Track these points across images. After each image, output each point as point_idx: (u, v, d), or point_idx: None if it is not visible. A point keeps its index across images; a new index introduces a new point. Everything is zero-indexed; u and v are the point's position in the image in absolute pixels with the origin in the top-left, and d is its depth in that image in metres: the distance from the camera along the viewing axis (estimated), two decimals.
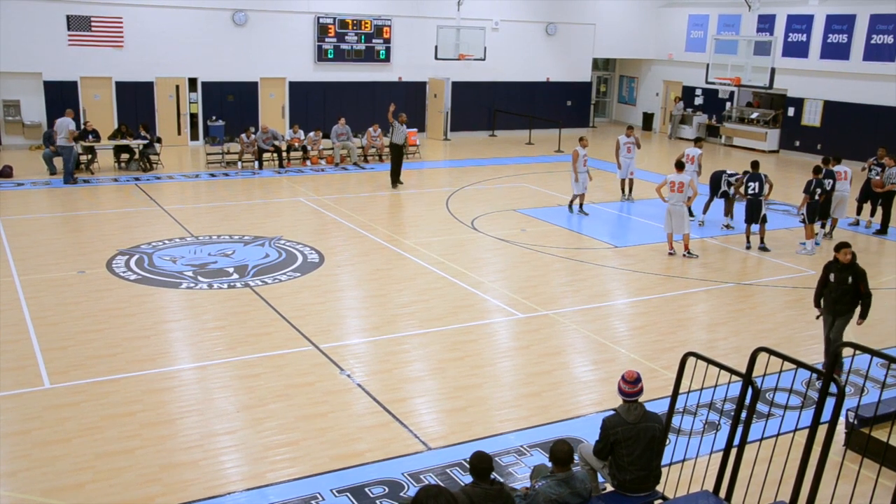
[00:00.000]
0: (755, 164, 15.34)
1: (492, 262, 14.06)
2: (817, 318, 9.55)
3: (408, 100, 27.67)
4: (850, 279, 8.97)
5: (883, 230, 16.70)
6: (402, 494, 6.86)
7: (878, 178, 16.64)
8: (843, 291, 9.04)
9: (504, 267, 13.77)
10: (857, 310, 9.14)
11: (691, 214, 15.64)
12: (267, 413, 8.26)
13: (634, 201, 19.01)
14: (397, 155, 19.89)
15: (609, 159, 24.67)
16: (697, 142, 18.52)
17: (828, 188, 15.45)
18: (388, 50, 26.78)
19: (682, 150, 27.78)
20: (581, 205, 17.49)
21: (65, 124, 18.92)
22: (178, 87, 24.34)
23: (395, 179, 20.00)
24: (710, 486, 6.30)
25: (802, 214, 15.13)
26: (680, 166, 14.75)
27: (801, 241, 15.56)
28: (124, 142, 21.01)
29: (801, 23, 26.57)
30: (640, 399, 6.26)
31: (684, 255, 14.48)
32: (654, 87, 32.80)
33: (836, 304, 9.13)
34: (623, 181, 19.18)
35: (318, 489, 6.93)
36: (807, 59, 26.44)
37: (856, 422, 7.76)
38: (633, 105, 33.97)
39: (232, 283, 12.27)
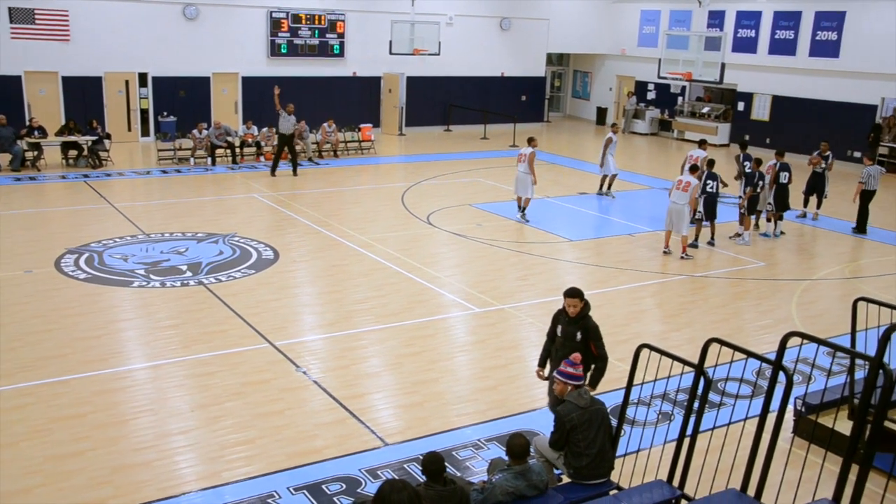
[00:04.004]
0: (711, 163, 15.50)
1: (448, 256, 14.08)
2: (541, 377, 7.58)
3: (362, 95, 27.55)
4: (578, 335, 7.10)
5: (861, 229, 16.54)
6: (359, 491, 6.84)
7: (859, 182, 16.40)
8: (570, 349, 6.95)
9: (460, 262, 13.80)
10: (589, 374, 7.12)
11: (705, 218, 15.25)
12: (222, 411, 8.17)
13: (615, 197, 19.07)
14: (283, 144, 20.22)
15: (566, 153, 24.94)
16: (702, 144, 17.65)
17: (784, 181, 15.82)
18: (342, 45, 26.60)
19: (635, 143, 28.30)
20: (524, 208, 16.60)
21: None
22: (127, 82, 23.87)
23: (275, 169, 20.43)
24: (663, 476, 6.40)
25: (744, 207, 15.45)
26: (694, 169, 14.51)
27: (761, 231, 15.95)
28: (72, 138, 20.56)
29: (749, 19, 27.07)
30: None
31: (681, 257, 14.31)
32: (607, 81, 33.12)
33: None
34: (613, 177, 19.06)
35: (275, 487, 6.88)
36: (755, 55, 26.94)
37: (803, 409, 7.96)
38: (587, 100, 34.28)
39: (185, 281, 12.10)
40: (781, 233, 16.23)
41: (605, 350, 7.17)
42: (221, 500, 6.67)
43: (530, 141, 16.69)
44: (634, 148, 27.76)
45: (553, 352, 7.33)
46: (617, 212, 17.96)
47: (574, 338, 7.10)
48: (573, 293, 7.19)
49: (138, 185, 19.26)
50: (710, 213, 15.12)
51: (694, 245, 15.02)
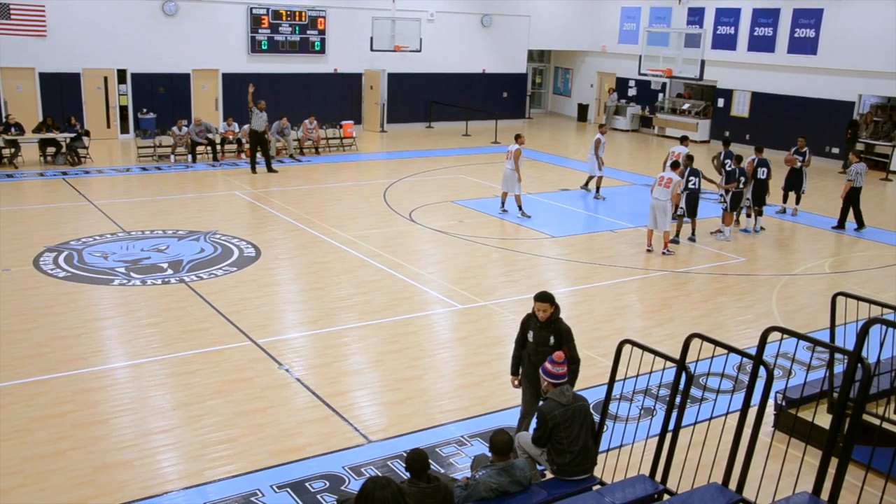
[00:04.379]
0: (691, 158, 15.60)
1: (430, 253, 14.08)
2: (516, 386, 7.47)
3: (344, 91, 27.48)
4: (551, 339, 6.96)
5: (854, 226, 16.64)
6: (342, 488, 6.83)
7: (848, 181, 16.48)
8: (543, 354, 6.85)
9: (442, 258, 13.80)
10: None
11: (683, 215, 15.23)
12: (204, 410, 8.13)
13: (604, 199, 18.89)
14: (256, 142, 19.97)
15: (547, 150, 24.99)
16: (683, 140, 17.66)
17: (762, 176, 15.95)
18: (323, 41, 26.50)
19: (616, 140, 28.40)
20: (519, 206, 16.73)
21: None
22: (106, 78, 23.66)
23: (254, 166, 20.18)
24: (646, 471, 6.44)
25: (725, 203, 15.57)
26: (675, 166, 14.63)
27: (741, 227, 16.08)
28: (50, 135, 20.34)
29: (728, 16, 27.24)
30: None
31: (663, 253, 14.35)
32: (588, 78, 33.22)
33: (535, 370, 6.98)
34: (599, 179, 18.81)
35: (258, 485, 6.85)
36: (735, 52, 27.13)
37: (784, 403, 8.03)
38: (568, 96, 34.37)
39: (166, 279, 12.02)
40: (761, 228, 16.34)
41: (577, 352, 7.06)
42: (204, 499, 6.64)
43: (517, 138, 16.65)
44: (616, 144, 27.85)
45: (525, 358, 7.18)
46: (599, 208, 18.03)
47: (547, 342, 6.95)
48: (544, 297, 6.97)
49: (118, 182, 19.10)
50: (692, 210, 15.21)
51: (675, 241, 15.09)
